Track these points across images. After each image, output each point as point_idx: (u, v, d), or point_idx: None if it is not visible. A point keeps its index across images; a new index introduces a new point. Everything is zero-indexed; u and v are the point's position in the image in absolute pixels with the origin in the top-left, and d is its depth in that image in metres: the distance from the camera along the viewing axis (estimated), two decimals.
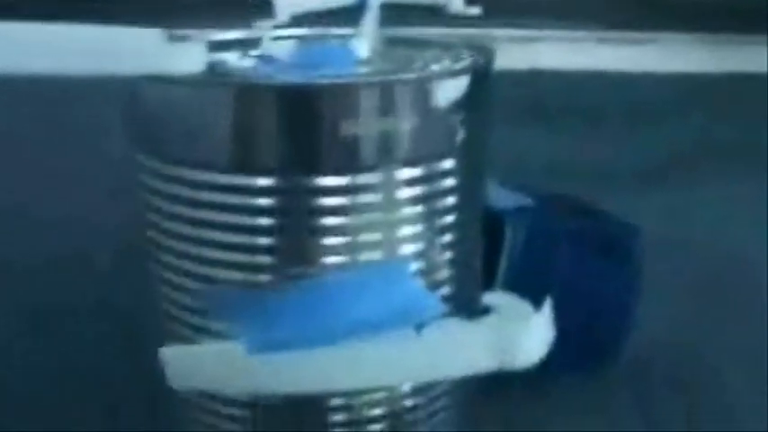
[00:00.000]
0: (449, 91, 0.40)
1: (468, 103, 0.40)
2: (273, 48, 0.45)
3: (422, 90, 0.39)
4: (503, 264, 0.48)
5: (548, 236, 0.49)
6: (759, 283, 0.73)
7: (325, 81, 0.38)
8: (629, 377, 0.57)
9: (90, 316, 0.64)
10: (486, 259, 0.47)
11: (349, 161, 0.38)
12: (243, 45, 0.45)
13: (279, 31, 0.46)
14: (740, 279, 0.75)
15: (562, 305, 0.41)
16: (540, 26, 2.00)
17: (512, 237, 0.48)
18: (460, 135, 0.40)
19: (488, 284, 0.48)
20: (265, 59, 0.44)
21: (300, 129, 0.37)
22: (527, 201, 0.52)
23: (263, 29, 0.45)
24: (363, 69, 0.42)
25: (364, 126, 0.38)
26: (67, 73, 0.34)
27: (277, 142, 0.38)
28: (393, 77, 0.39)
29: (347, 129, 0.37)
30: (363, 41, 0.44)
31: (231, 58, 0.43)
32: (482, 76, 0.41)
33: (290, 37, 0.47)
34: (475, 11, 0.48)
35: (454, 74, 0.40)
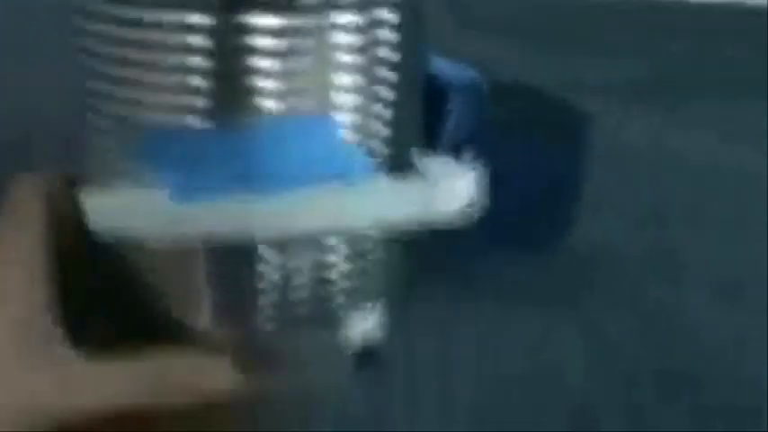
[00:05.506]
0: None
1: None
2: None
3: None
4: (444, 135, 0.47)
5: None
6: None
7: None
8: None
9: None
10: (427, 131, 0.46)
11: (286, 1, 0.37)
12: None
13: None
14: None
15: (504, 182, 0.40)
16: None
17: (456, 109, 0.47)
18: None
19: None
20: None
21: None
22: (474, 76, 0.51)
23: None
24: None
25: None
26: None
27: None
28: None
29: None
30: None
31: None
32: None
33: None
34: None
35: None
